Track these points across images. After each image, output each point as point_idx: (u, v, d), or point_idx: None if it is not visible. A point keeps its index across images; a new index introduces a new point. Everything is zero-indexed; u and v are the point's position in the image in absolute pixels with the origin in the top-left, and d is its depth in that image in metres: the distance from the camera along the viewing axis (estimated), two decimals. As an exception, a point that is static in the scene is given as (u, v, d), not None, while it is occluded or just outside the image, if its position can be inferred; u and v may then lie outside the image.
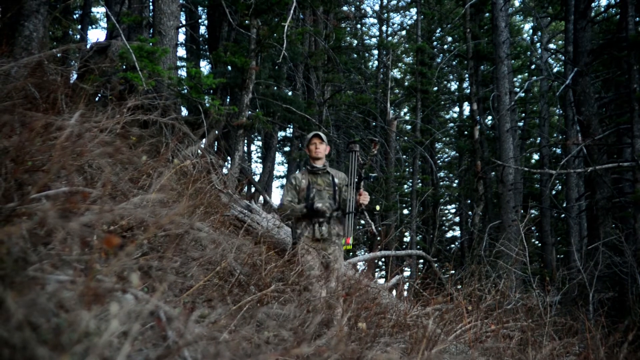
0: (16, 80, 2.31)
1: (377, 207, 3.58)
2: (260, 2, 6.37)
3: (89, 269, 1.62)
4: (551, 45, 15.02)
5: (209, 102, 5.03)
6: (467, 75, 15.26)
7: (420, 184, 15.27)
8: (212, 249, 2.24)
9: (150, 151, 3.23)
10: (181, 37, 12.72)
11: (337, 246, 3.64)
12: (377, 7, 17.67)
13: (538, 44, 14.61)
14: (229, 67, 8.82)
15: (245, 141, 9.52)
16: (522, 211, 9.70)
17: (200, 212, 3.31)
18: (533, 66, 15.23)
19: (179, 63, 8.43)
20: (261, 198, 8.06)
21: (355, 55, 15.63)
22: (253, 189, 9.17)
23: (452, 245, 16.75)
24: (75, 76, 3.40)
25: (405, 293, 5.53)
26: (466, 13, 12.17)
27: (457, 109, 18.20)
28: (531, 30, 16.31)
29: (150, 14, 5.54)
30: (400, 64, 17.62)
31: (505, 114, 9.50)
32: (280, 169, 23.62)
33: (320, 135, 3.62)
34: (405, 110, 17.92)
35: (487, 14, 13.24)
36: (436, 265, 6.72)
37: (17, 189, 1.85)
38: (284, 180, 18.22)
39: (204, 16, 12.46)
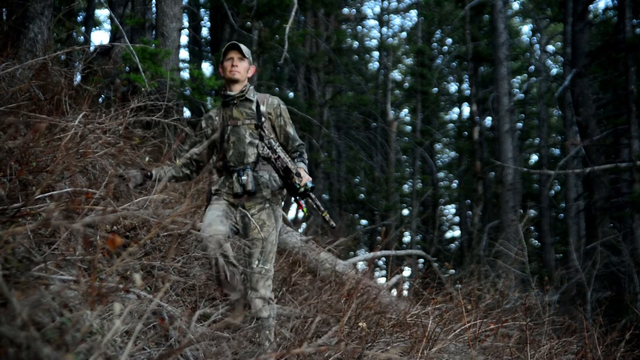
0: (21, 82, 2.34)
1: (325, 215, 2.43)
2: (261, 4, 6.40)
3: (92, 269, 1.64)
4: (550, 47, 15.06)
5: (211, 103, 5.08)
6: (466, 76, 15.29)
7: (420, 184, 15.30)
8: (214, 249, 2.26)
9: (153, 152, 3.25)
10: (184, 39, 12.77)
11: (269, 207, 2.46)
12: (377, 9, 17.72)
13: (537, 46, 14.64)
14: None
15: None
16: (521, 211, 9.73)
17: (202, 213, 3.32)
18: (532, 67, 15.27)
19: (181, 65, 8.48)
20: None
21: (356, 57, 15.67)
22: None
23: (452, 245, 16.77)
24: (79, 78, 3.42)
25: (405, 292, 5.56)
26: (466, 15, 12.20)
27: (456, 110, 18.24)
28: (530, 32, 16.36)
29: (153, 16, 5.57)
30: (400, 65, 17.64)
31: (504, 114, 9.53)
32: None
33: (239, 46, 2.46)
34: (406, 111, 17.96)
35: (487, 16, 13.27)
36: (436, 264, 6.75)
37: (22, 189, 1.88)
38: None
39: (206, 18, 12.50)
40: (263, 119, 2.48)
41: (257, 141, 2.45)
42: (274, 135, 2.54)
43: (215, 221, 2.34)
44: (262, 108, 2.50)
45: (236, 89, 2.47)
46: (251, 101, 2.49)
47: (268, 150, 2.44)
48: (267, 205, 2.46)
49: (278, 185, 2.49)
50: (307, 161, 2.55)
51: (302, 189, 2.35)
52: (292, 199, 2.43)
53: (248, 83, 2.52)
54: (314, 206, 2.41)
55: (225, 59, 2.47)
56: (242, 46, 2.48)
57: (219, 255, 2.26)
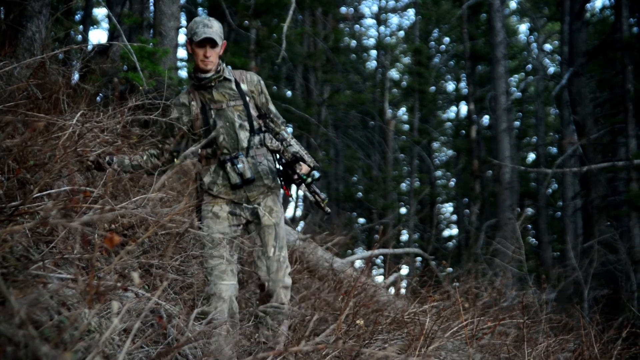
0: (19, 81, 2.34)
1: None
2: (259, 3, 6.43)
3: (90, 268, 1.65)
4: (547, 46, 15.11)
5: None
6: (464, 75, 15.32)
7: (417, 183, 15.33)
8: (212, 247, 2.27)
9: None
10: (181, 38, 12.79)
11: (273, 194, 2.32)
12: (375, 8, 17.73)
13: (534, 45, 14.68)
14: (229, 68, 8.86)
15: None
16: (518, 209, 9.77)
17: (199, 213, 3.32)
18: (529, 66, 15.31)
19: (179, 63, 8.50)
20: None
21: (354, 56, 15.69)
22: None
23: (450, 244, 16.82)
24: (77, 77, 3.43)
25: (402, 291, 5.58)
26: (463, 14, 12.22)
27: (454, 108, 18.27)
28: (527, 31, 16.39)
29: (151, 15, 5.59)
30: (398, 64, 17.67)
31: (501, 113, 9.55)
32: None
33: (213, 38, 2.18)
34: (403, 109, 17.99)
35: (484, 15, 13.30)
36: (433, 263, 6.78)
37: (20, 188, 1.88)
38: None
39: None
40: (247, 98, 2.28)
41: (246, 123, 2.25)
42: (258, 114, 2.33)
43: (227, 273, 2.20)
44: (243, 87, 2.29)
45: (210, 72, 2.24)
46: (230, 80, 2.28)
47: (277, 143, 2.30)
48: (270, 192, 2.30)
49: (276, 170, 2.32)
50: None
51: (308, 179, 2.21)
52: (282, 183, 2.31)
53: (220, 61, 2.28)
54: (314, 192, 2.25)
55: (198, 45, 2.20)
56: (216, 34, 2.19)
57: (226, 314, 2.15)
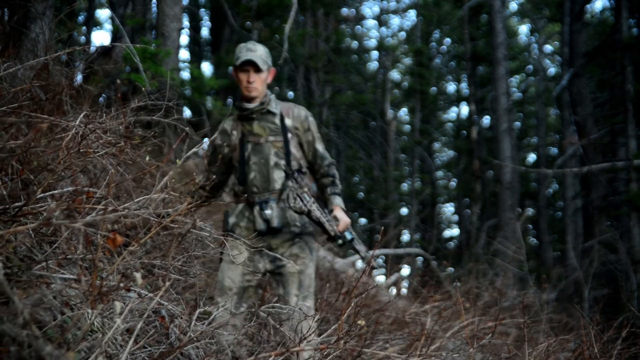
0: (22, 82, 2.35)
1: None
2: (261, 4, 6.46)
3: (93, 268, 1.66)
4: (547, 47, 15.12)
5: (211, 103, 5.12)
6: (465, 76, 15.33)
7: (419, 183, 15.34)
8: (214, 248, 2.28)
9: (153, 151, 3.26)
10: (184, 39, 12.81)
11: (299, 240, 2.10)
12: (376, 9, 17.76)
13: (534, 46, 14.70)
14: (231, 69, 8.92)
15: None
16: (519, 210, 9.78)
17: (203, 212, 3.34)
18: (530, 67, 15.33)
19: (181, 65, 8.53)
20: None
21: (355, 57, 15.71)
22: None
23: (451, 244, 16.83)
24: (80, 78, 3.44)
25: (404, 291, 5.59)
26: (464, 15, 12.24)
27: (455, 109, 18.28)
28: (528, 32, 16.42)
29: (154, 17, 5.61)
30: (399, 65, 17.69)
31: (502, 114, 9.56)
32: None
33: (255, 61, 2.07)
34: (405, 110, 18.01)
35: (485, 16, 13.31)
36: (434, 263, 6.79)
37: (23, 188, 1.89)
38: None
39: (206, 18, 12.54)
40: (289, 135, 2.11)
41: (282, 162, 2.07)
42: (301, 154, 2.14)
43: (226, 287, 2.05)
44: (288, 122, 2.12)
45: (255, 101, 2.12)
46: (274, 114, 2.13)
47: (301, 204, 2.04)
48: (297, 239, 2.09)
49: (302, 215, 2.09)
50: (340, 188, 2.15)
51: (340, 241, 2.02)
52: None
53: (268, 91, 2.16)
54: (353, 249, 2.07)
55: (241, 70, 2.10)
56: (259, 58, 2.08)
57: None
